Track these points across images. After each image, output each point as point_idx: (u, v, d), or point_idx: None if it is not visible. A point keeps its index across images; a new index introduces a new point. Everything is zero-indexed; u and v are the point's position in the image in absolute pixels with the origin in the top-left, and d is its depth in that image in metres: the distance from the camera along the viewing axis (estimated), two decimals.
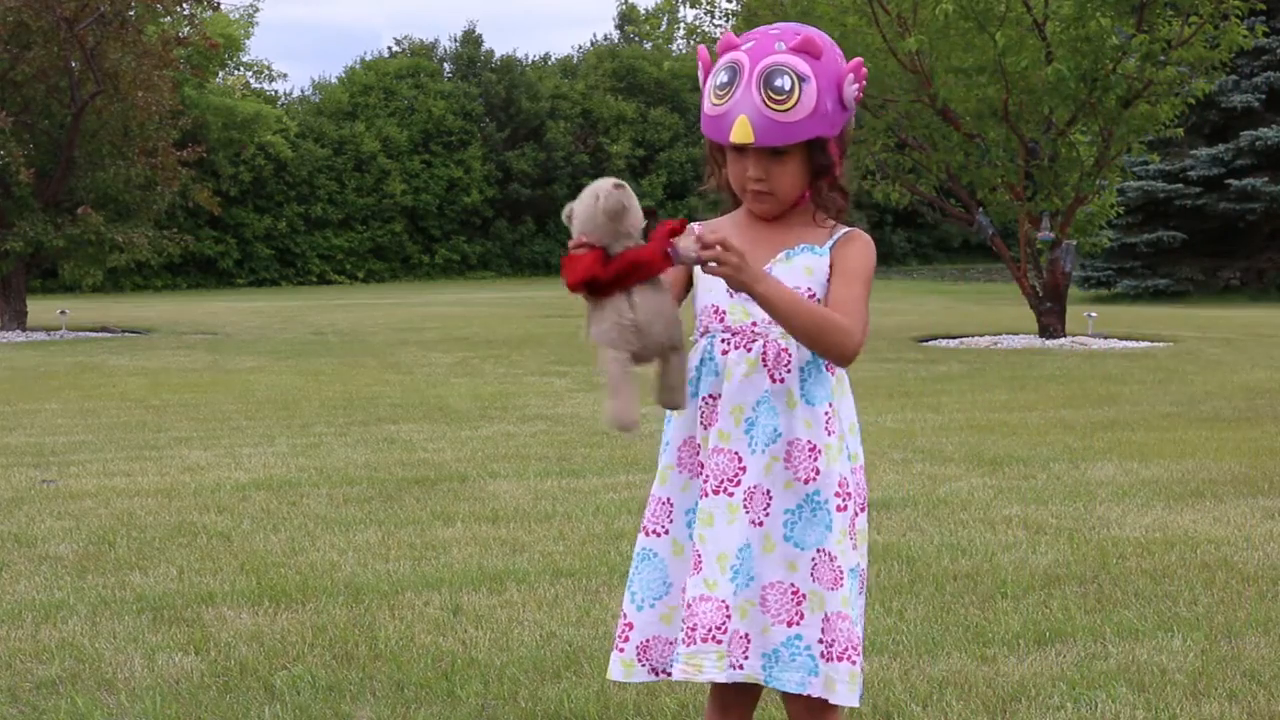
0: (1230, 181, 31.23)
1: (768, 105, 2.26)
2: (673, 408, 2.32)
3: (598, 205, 2.12)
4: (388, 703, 3.31)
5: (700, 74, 2.39)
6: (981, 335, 17.83)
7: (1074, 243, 17.27)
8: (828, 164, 2.36)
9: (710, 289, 2.40)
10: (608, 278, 2.14)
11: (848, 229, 2.41)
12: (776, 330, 2.32)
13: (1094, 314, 19.22)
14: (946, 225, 42.76)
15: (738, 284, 2.19)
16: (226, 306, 30.23)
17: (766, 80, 2.27)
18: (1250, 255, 33.01)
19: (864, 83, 2.35)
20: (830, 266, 2.36)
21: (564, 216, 2.20)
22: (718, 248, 2.14)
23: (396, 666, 3.57)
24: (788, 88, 2.26)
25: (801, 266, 2.36)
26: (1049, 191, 16.85)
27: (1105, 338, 17.20)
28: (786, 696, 2.41)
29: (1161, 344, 16.41)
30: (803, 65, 2.27)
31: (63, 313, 20.86)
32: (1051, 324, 17.06)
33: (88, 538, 5.18)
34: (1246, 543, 5.03)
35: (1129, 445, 7.58)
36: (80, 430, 8.54)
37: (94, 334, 19.93)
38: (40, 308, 23.92)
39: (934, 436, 7.95)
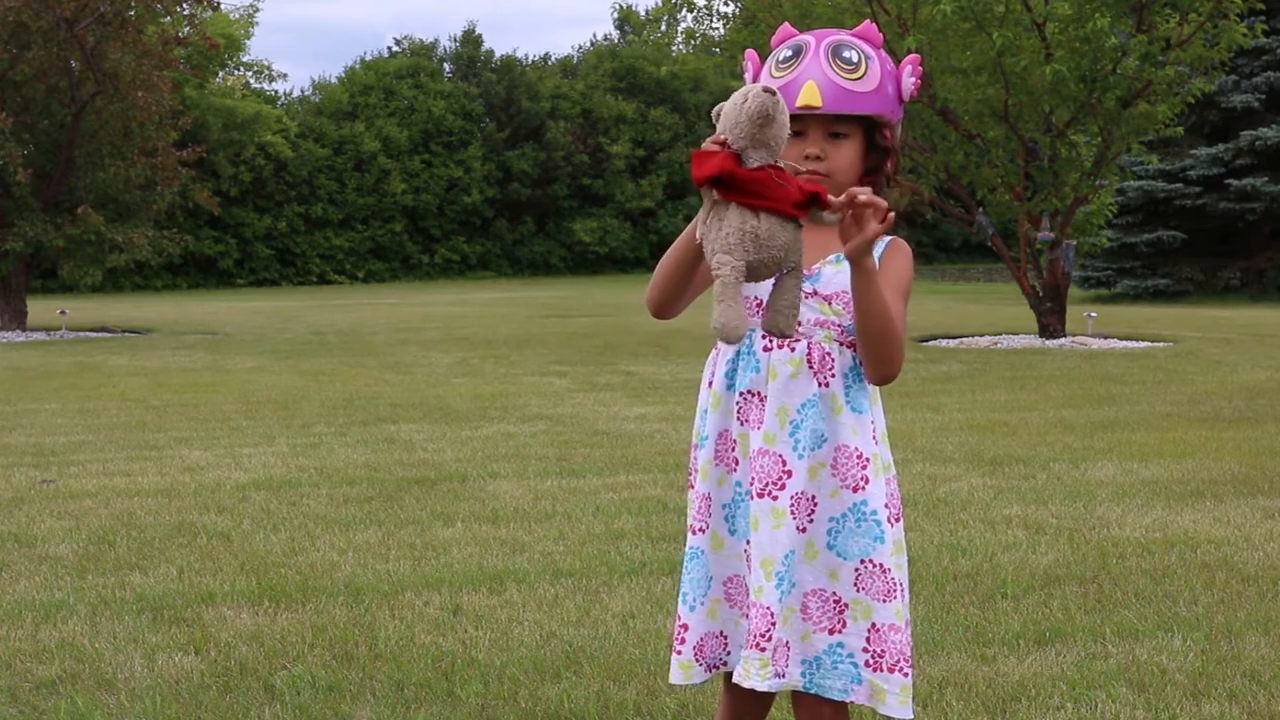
0: (1230, 181, 31.23)
1: (837, 73, 2.26)
2: (779, 334, 2.18)
3: (744, 106, 2.05)
4: (388, 703, 3.31)
5: (748, 75, 2.37)
6: (981, 335, 17.84)
7: (1074, 243, 17.27)
8: (885, 150, 2.33)
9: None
10: (743, 178, 2.04)
11: (890, 237, 2.35)
12: (820, 333, 2.28)
13: (1094, 314, 19.24)
14: (946, 225, 42.75)
15: (863, 248, 2.10)
16: (226, 306, 30.24)
17: (835, 51, 2.27)
18: (1250, 255, 33.01)
19: (919, 79, 2.35)
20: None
21: (712, 114, 2.13)
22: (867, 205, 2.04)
23: (396, 666, 3.57)
24: (855, 59, 2.27)
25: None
26: (1049, 191, 16.86)
27: (1105, 338, 17.20)
28: (796, 703, 2.38)
29: (1161, 344, 16.41)
30: (867, 46, 2.30)
31: (63, 313, 20.87)
32: (1051, 324, 17.07)
33: (88, 538, 5.18)
34: (1246, 543, 5.03)
35: (1129, 445, 7.58)
36: (80, 430, 8.54)
37: (94, 334, 19.93)
38: (40, 308, 23.94)
39: (934, 436, 7.94)
